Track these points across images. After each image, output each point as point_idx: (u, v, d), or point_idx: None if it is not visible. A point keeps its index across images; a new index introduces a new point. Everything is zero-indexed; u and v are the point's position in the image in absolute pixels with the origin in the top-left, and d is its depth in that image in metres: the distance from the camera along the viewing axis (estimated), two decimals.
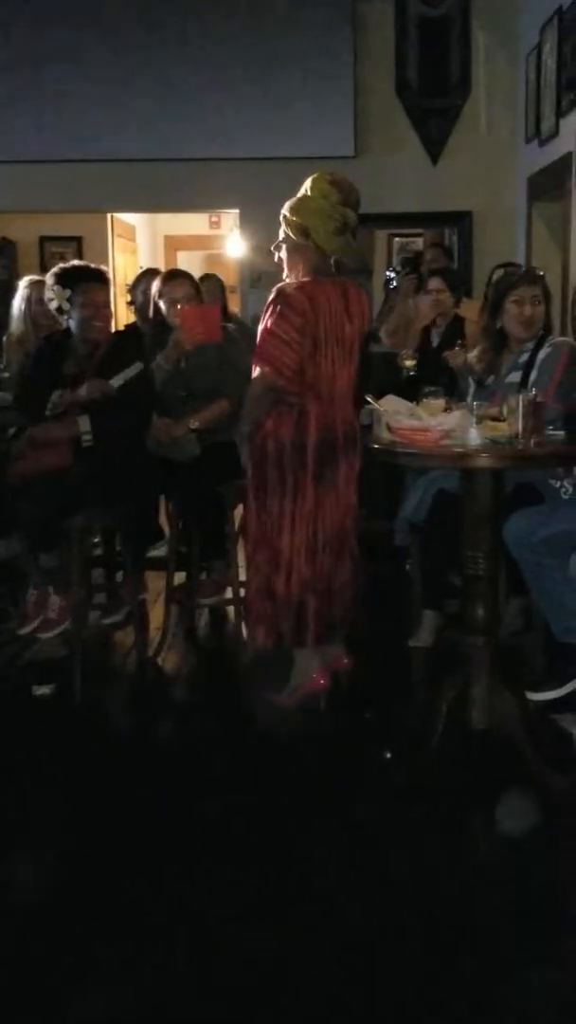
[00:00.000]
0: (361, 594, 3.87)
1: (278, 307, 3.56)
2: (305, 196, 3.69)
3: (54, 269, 4.35)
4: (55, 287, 4.24)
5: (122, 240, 9.59)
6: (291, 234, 3.68)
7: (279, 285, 3.67)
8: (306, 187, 3.71)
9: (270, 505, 3.69)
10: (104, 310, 4.31)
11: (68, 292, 4.20)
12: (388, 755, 3.51)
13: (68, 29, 7.45)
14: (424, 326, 5.63)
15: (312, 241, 3.65)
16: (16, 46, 7.48)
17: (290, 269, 3.73)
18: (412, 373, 5.14)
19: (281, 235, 3.73)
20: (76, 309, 4.21)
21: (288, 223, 3.69)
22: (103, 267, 4.54)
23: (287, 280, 3.70)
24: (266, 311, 3.62)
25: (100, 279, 4.35)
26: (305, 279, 3.65)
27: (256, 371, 3.64)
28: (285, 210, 3.71)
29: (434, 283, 5.50)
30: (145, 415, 4.31)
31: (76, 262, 4.67)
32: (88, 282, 4.26)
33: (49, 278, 4.33)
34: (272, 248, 3.80)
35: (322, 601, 3.73)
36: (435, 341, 5.59)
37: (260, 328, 3.64)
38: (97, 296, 4.26)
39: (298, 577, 3.69)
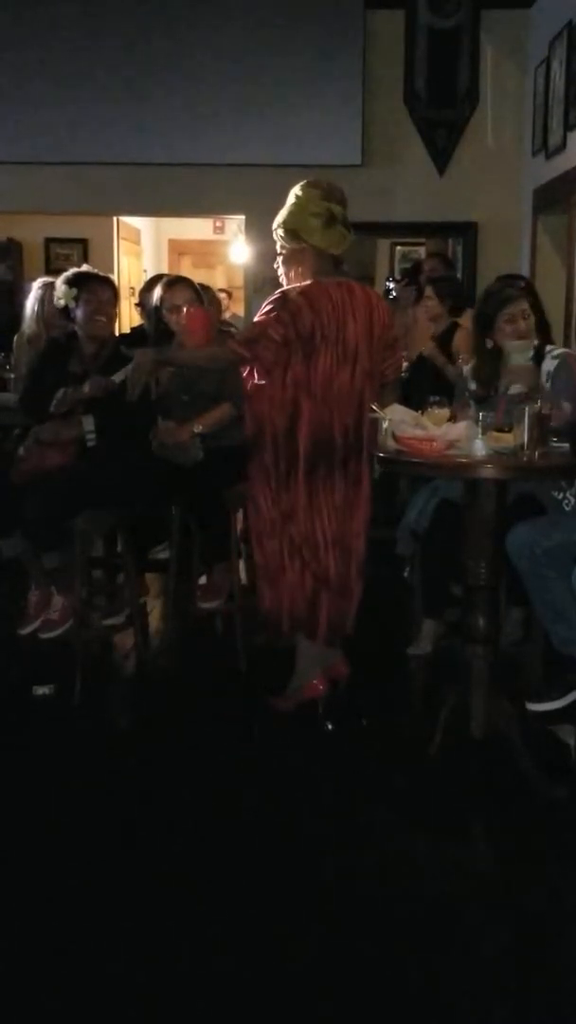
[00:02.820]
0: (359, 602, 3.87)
1: (275, 310, 3.59)
2: (287, 204, 3.73)
3: (66, 273, 4.45)
4: (63, 287, 4.32)
5: (127, 243, 9.61)
6: (284, 242, 3.72)
7: (283, 288, 3.69)
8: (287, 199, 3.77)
9: (265, 489, 3.73)
10: (108, 307, 4.41)
11: (75, 291, 4.29)
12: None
13: (78, 32, 7.48)
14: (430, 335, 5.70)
15: (305, 241, 3.67)
16: (25, 48, 7.50)
17: (290, 277, 3.74)
18: (403, 376, 5.17)
19: (277, 247, 3.77)
20: (81, 306, 4.28)
21: (277, 234, 3.74)
22: (111, 275, 4.63)
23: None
24: (265, 306, 3.65)
25: (107, 282, 4.49)
26: (307, 282, 3.66)
27: (236, 348, 3.65)
28: (273, 225, 3.75)
29: (427, 291, 5.68)
30: (148, 415, 4.33)
31: (87, 267, 4.75)
32: (94, 282, 4.37)
33: (59, 280, 4.40)
34: (274, 265, 3.84)
35: (334, 600, 3.76)
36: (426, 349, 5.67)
37: (255, 317, 3.68)
38: (101, 293, 4.37)
39: (307, 567, 3.71)
